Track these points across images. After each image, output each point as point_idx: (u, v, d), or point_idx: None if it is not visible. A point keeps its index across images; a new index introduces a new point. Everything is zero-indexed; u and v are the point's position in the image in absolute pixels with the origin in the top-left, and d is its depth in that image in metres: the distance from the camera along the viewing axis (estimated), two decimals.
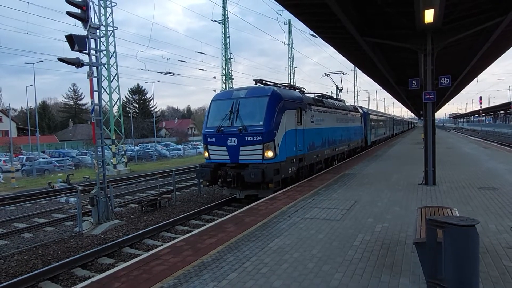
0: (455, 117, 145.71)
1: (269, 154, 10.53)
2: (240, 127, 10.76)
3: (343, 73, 20.53)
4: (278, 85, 12.88)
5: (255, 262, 4.96)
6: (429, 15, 8.52)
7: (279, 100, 11.00)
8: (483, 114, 76.86)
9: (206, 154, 11.69)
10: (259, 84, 12.45)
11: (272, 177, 10.33)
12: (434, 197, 8.61)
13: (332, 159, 16.87)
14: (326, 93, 18.45)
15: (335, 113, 17.00)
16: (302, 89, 14.48)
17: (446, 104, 64.00)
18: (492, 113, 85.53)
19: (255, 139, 10.58)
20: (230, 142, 10.92)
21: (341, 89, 21.46)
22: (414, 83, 10.58)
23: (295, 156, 11.91)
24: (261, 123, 10.60)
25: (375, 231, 6.10)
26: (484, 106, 72.05)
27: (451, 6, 9.24)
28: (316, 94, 16.31)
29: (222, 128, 11.11)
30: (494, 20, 9.56)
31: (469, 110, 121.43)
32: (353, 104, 38.85)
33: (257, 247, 5.61)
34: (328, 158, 15.95)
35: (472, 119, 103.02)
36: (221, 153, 11.19)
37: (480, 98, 58.25)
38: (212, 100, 12.13)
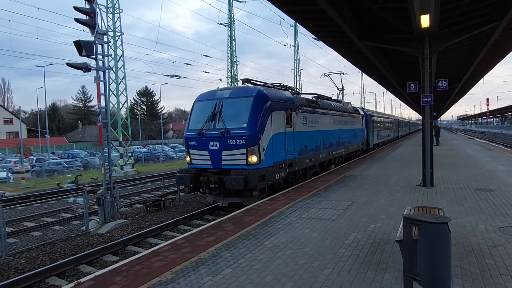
0: (463, 118, 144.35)
1: (253, 159, 9.85)
2: (223, 130, 10.13)
3: (343, 73, 20.07)
4: (269, 85, 12.33)
5: (249, 259, 5.22)
6: (425, 20, 8.68)
7: (265, 101, 10.37)
8: (491, 116, 76.17)
9: (188, 158, 11.07)
10: (246, 83, 11.74)
11: (256, 183, 9.67)
12: (429, 198, 8.79)
13: (328, 163, 16.12)
14: (331, 95, 18.37)
15: (331, 115, 16.32)
16: (296, 90, 14.05)
17: (454, 105, 63.67)
18: (499, 115, 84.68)
19: (238, 142, 9.92)
20: (212, 146, 10.30)
21: (342, 90, 21.27)
22: (412, 86, 10.75)
23: (284, 160, 11.19)
24: (245, 125, 9.94)
25: (367, 230, 6.32)
26: (492, 107, 71.52)
27: (448, 11, 9.40)
28: (313, 95, 15.88)
29: (203, 131, 10.50)
30: (490, 24, 9.71)
31: (477, 111, 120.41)
32: (359, 106, 38.82)
33: (252, 245, 5.87)
34: (323, 162, 15.23)
35: (480, 120, 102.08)
36: (203, 157, 10.57)
37: (487, 99, 57.90)
38: (194, 101, 11.49)
